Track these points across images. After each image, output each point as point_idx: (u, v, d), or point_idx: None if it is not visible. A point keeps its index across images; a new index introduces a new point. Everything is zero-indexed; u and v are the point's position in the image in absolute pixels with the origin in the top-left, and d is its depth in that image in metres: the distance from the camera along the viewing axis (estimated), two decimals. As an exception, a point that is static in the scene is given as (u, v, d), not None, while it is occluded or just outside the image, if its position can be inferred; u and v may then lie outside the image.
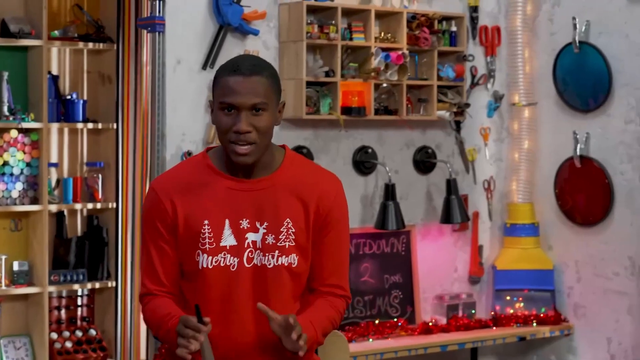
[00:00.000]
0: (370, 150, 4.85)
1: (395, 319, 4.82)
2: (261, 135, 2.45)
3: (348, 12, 4.66)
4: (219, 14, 4.38)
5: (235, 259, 2.49)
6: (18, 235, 4.44)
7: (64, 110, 4.49)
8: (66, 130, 4.54)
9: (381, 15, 4.77)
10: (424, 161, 5.01)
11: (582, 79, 4.91)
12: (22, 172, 4.37)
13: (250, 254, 2.49)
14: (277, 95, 2.50)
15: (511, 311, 5.03)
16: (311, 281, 2.59)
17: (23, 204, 4.36)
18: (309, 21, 4.50)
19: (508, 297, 5.07)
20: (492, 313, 5.05)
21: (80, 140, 4.60)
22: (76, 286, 4.42)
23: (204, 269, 2.48)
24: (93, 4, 4.57)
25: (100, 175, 4.51)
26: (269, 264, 2.50)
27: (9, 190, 4.35)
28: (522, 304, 5.04)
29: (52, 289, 4.36)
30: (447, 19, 4.95)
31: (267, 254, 2.50)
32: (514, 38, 5.14)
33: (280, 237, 2.50)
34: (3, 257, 4.32)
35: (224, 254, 2.48)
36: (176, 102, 4.34)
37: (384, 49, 4.67)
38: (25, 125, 4.32)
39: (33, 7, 4.37)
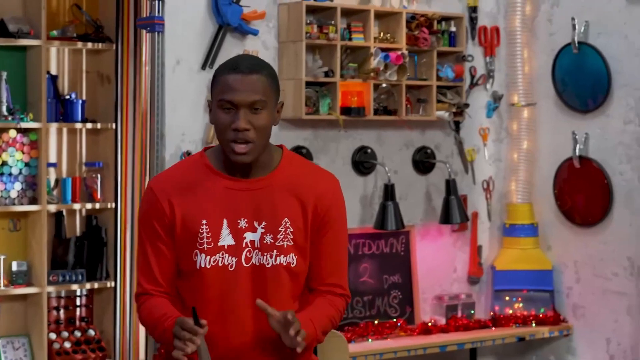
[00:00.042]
0: (369, 151, 4.85)
1: (395, 320, 4.82)
2: (259, 134, 2.45)
3: (347, 12, 4.66)
4: (218, 14, 4.38)
5: (234, 258, 2.48)
6: (17, 236, 4.43)
7: (62, 110, 4.48)
8: (65, 130, 4.53)
9: (380, 16, 4.77)
10: (423, 161, 5.01)
11: (581, 80, 4.91)
12: (20, 172, 4.37)
13: (248, 253, 2.49)
14: (275, 94, 2.50)
15: (510, 311, 5.03)
16: (310, 281, 2.59)
17: (22, 204, 4.35)
18: (308, 21, 4.50)
19: (507, 298, 5.07)
20: (491, 313, 5.05)
21: (79, 140, 4.59)
22: (75, 286, 4.41)
23: (201, 268, 2.48)
24: (92, 4, 4.56)
25: (99, 175, 4.50)
26: (268, 264, 2.50)
27: (8, 190, 4.34)
28: (521, 305, 5.04)
29: (50, 289, 4.35)
30: (446, 19, 4.95)
31: (265, 254, 2.49)
32: (513, 38, 5.14)
33: (278, 236, 2.50)
34: (2, 257, 4.31)
35: (222, 254, 2.48)
36: (175, 102, 4.34)
37: (383, 49, 4.67)
38: (24, 125, 4.31)
39: (32, 6, 4.36)
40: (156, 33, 4.22)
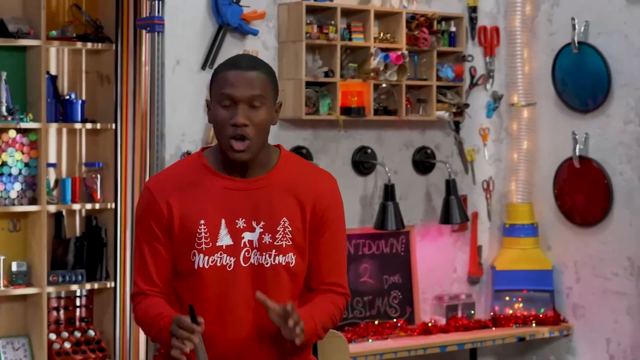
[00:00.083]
0: (369, 151, 4.85)
1: (395, 320, 4.82)
2: (257, 131, 2.45)
3: (347, 12, 4.65)
4: (218, 14, 4.38)
5: (232, 258, 2.48)
6: (16, 236, 4.43)
7: (62, 111, 4.47)
8: (65, 130, 4.52)
9: (380, 16, 4.77)
10: (423, 161, 5.01)
11: (581, 80, 4.91)
12: (20, 173, 4.36)
13: (246, 253, 2.49)
14: (274, 93, 2.51)
15: (510, 311, 5.03)
16: (310, 281, 2.58)
17: (21, 204, 4.35)
18: (308, 21, 4.50)
19: (507, 298, 5.07)
20: (492, 313, 5.05)
21: (78, 141, 4.59)
22: (75, 287, 4.41)
23: (200, 268, 2.48)
24: (92, 4, 4.56)
25: (99, 176, 4.50)
26: (267, 264, 2.49)
27: (8, 190, 4.33)
28: (521, 305, 5.04)
29: (50, 289, 4.34)
30: (446, 19, 4.94)
31: (264, 254, 2.49)
32: (513, 38, 5.14)
33: (277, 236, 2.50)
34: (1, 258, 4.31)
35: (220, 254, 2.48)
36: (175, 102, 4.33)
37: (383, 49, 4.67)
38: (23, 125, 4.30)
39: (31, 7, 4.36)
40: (156, 33, 4.22)
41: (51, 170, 4.47)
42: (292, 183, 2.53)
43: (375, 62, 4.63)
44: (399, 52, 4.69)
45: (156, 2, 4.21)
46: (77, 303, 4.54)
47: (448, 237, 5.11)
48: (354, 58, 4.66)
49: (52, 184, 4.46)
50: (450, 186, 4.88)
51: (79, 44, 4.44)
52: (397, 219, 4.69)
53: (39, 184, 4.35)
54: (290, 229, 2.50)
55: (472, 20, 5.11)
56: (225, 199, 2.49)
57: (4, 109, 4.31)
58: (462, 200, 4.95)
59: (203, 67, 4.38)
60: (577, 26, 4.85)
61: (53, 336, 4.41)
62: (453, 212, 4.86)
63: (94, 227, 4.52)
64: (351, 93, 4.66)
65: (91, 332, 4.50)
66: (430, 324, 4.84)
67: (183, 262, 2.50)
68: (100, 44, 4.45)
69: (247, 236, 2.49)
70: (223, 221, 2.48)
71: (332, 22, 4.54)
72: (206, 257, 2.47)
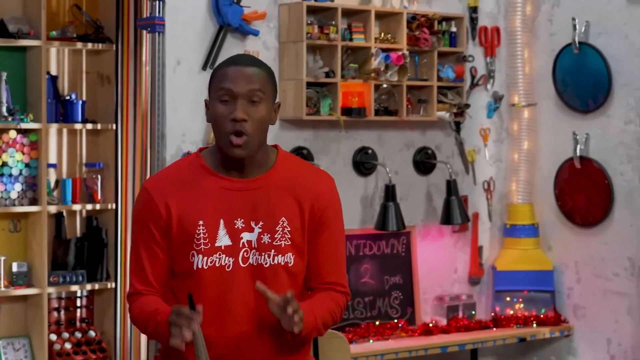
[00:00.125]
0: (370, 151, 4.84)
1: (396, 320, 4.81)
2: (256, 128, 2.45)
3: (348, 13, 4.65)
4: (219, 15, 4.37)
5: (231, 259, 2.48)
6: (17, 236, 4.43)
7: (62, 111, 4.47)
8: (65, 130, 4.52)
9: (381, 16, 4.77)
10: (424, 162, 5.01)
11: (582, 80, 4.91)
12: (21, 173, 4.36)
13: (245, 253, 2.48)
14: (273, 91, 2.51)
15: (511, 312, 5.03)
16: (309, 280, 2.58)
17: (22, 204, 4.35)
18: (309, 22, 4.49)
19: (508, 298, 5.06)
20: (492, 314, 5.05)
21: (79, 141, 4.58)
22: (75, 287, 4.41)
23: (198, 269, 2.47)
24: (92, 4, 4.55)
25: (99, 176, 4.50)
26: (266, 264, 2.49)
27: (8, 191, 4.33)
28: (522, 305, 5.04)
29: (51, 290, 4.34)
30: (447, 19, 4.94)
31: (263, 254, 2.49)
32: (514, 39, 5.13)
33: (275, 236, 2.50)
34: (2, 258, 4.30)
35: (219, 254, 2.47)
36: (176, 103, 4.33)
37: (384, 50, 4.67)
38: (24, 125, 4.30)
39: (32, 7, 4.35)
40: (157, 33, 4.21)
41: (52, 170, 4.46)
42: (291, 183, 2.53)
43: (376, 62, 4.63)
44: (400, 53, 4.69)
45: (157, 2, 4.21)
46: (78, 304, 4.54)
47: (449, 238, 5.11)
48: (354, 58, 4.65)
49: (52, 184, 4.46)
50: (451, 186, 4.88)
51: (79, 44, 4.43)
52: (398, 219, 4.69)
53: (39, 185, 4.35)
54: (289, 229, 2.50)
55: (473, 21, 5.11)
56: (223, 200, 2.49)
57: (4, 109, 4.30)
58: (462, 200, 4.94)
59: (204, 67, 4.38)
60: (577, 26, 4.85)
61: (54, 337, 4.41)
62: (454, 212, 4.86)
63: (95, 227, 4.52)
64: (352, 93, 4.66)
65: (92, 333, 4.50)
66: (431, 325, 4.84)
67: (182, 263, 2.50)
68: (100, 44, 4.45)
69: (245, 236, 2.48)
70: (222, 221, 2.47)
71: (333, 22, 4.54)
72: (205, 258, 2.47)
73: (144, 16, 4.28)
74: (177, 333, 2.32)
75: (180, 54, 4.34)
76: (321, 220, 2.54)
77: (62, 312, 4.50)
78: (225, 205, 2.48)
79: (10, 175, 4.33)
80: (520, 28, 5.12)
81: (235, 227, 2.48)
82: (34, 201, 4.37)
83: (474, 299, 5.10)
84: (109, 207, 4.46)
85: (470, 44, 5.10)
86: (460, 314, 5.00)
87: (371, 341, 4.64)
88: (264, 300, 2.43)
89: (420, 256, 4.97)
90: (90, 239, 4.50)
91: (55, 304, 4.48)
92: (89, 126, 4.47)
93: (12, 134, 4.32)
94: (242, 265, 2.48)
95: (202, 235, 2.47)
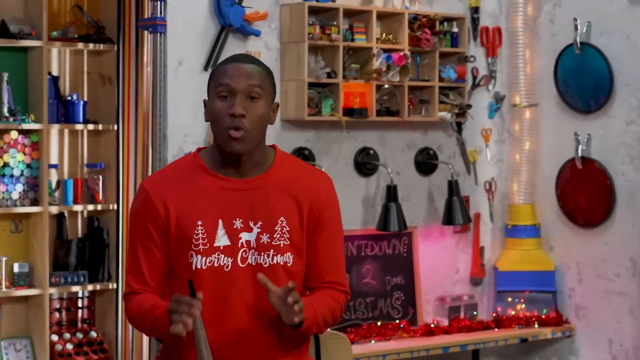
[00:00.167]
0: (371, 152, 4.84)
1: (397, 321, 4.81)
2: (254, 124, 2.45)
3: (349, 13, 4.65)
4: (220, 15, 4.37)
5: (229, 259, 2.47)
6: (18, 237, 4.43)
7: (64, 112, 4.47)
8: (66, 131, 4.52)
9: (383, 16, 4.77)
10: (426, 162, 5.01)
11: (583, 80, 4.91)
12: (22, 174, 4.36)
13: (244, 253, 2.48)
14: (272, 90, 2.51)
15: (513, 312, 5.03)
16: (309, 281, 2.58)
17: (23, 205, 4.35)
18: (310, 22, 4.49)
19: (509, 299, 5.06)
20: (494, 314, 5.04)
21: (80, 142, 4.58)
22: (77, 288, 4.41)
23: (197, 270, 2.46)
24: (93, 5, 4.55)
25: (100, 177, 4.50)
26: (265, 263, 2.49)
27: (9, 191, 4.33)
28: (523, 306, 5.03)
29: (52, 290, 4.34)
30: (449, 19, 4.94)
31: (262, 253, 2.48)
32: (515, 39, 5.13)
33: (274, 236, 2.49)
34: (3, 259, 4.30)
35: (218, 255, 2.47)
36: (178, 103, 4.33)
37: (385, 50, 4.66)
38: (25, 126, 4.30)
39: (33, 7, 4.35)
40: (158, 34, 4.21)
41: (53, 171, 4.47)
42: (289, 183, 2.53)
43: (377, 63, 4.63)
44: (402, 53, 4.68)
45: (158, 2, 4.21)
46: (79, 304, 4.54)
47: (450, 238, 5.11)
48: (356, 59, 4.65)
49: (54, 185, 4.45)
50: (453, 187, 4.88)
51: (80, 45, 4.43)
52: (400, 220, 4.69)
53: (40, 185, 4.35)
54: (288, 229, 2.50)
55: (474, 21, 5.11)
56: (222, 200, 2.48)
57: (5, 109, 4.30)
58: (464, 201, 4.94)
59: (205, 68, 4.37)
60: (579, 27, 4.85)
61: (55, 337, 4.41)
62: (455, 213, 4.85)
63: (96, 228, 4.52)
64: (353, 94, 4.65)
65: (93, 334, 4.50)
66: (432, 325, 4.84)
67: (181, 263, 2.49)
68: (101, 45, 4.45)
69: (244, 236, 2.48)
70: (220, 222, 2.47)
71: (335, 22, 4.54)
72: (203, 258, 2.46)
73: (146, 16, 4.27)
74: (177, 320, 2.31)
75: (181, 54, 4.33)
76: (319, 220, 2.54)
77: (64, 313, 4.50)
78: (224, 205, 2.48)
79: (12, 175, 4.33)
80: (521, 28, 5.11)
81: (234, 227, 2.47)
82: (35, 202, 4.36)
83: (475, 299, 5.10)
84: (110, 207, 4.46)
85: (471, 44, 5.10)
86: (462, 315, 4.99)
87: (373, 342, 4.63)
88: (263, 300, 2.44)
89: (421, 257, 4.97)
90: (91, 240, 4.50)
91: (56, 305, 4.48)
92: (91, 127, 4.47)
93: (14, 134, 4.32)
94: (241, 265, 2.48)
95: (200, 235, 2.46)
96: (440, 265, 5.06)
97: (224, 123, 2.44)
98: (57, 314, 4.48)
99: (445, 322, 4.93)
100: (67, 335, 4.45)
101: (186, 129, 4.35)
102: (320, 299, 2.52)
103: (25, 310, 4.43)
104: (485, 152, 5.21)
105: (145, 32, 4.29)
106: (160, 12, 4.23)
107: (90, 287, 4.43)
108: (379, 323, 4.74)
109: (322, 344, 2.82)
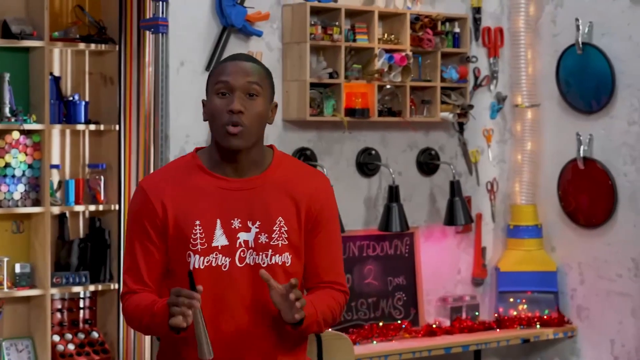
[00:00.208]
0: (373, 152, 4.84)
1: (399, 321, 4.81)
2: (253, 122, 2.45)
3: (351, 14, 4.64)
4: (222, 15, 4.37)
5: (227, 259, 2.47)
6: (20, 237, 4.42)
7: (65, 112, 4.47)
8: (68, 131, 4.52)
9: (384, 17, 4.76)
10: (428, 163, 5.00)
11: (585, 81, 4.90)
12: (23, 174, 4.36)
13: (242, 253, 2.48)
14: (270, 89, 2.52)
15: (514, 313, 5.02)
16: (307, 281, 2.58)
17: (25, 205, 4.34)
18: (312, 22, 4.49)
19: (511, 299, 5.06)
20: (496, 315, 5.04)
21: (82, 142, 4.58)
22: (78, 288, 4.41)
23: (195, 269, 2.46)
24: (95, 5, 4.55)
25: (102, 177, 4.49)
26: (263, 263, 2.48)
27: (11, 192, 4.33)
28: (525, 306, 5.03)
29: (54, 291, 4.34)
30: (450, 20, 4.94)
31: (260, 253, 2.48)
32: (517, 39, 5.13)
33: (273, 235, 2.49)
34: (5, 259, 4.30)
35: (216, 254, 2.47)
36: (179, 104, 4.32)
37: (387, 51, 4.66)
38: (27, 126, 4.30)
39: (34, 8, 4.35)
40: (160, 34, 4.21)
41: (54, 171, 4.46)
42: (287, 183, 2.53)
43: (379, 63, 4.62)
44: (403, 53, 4.68)
45: (160, 3, 4.20)
46: (81, 305, 4.54)
47: (452, 239, 5.10)
48: (358, 59, 4.65)
49: (55, 185, 4.45)
50: (455, 187, 4.87)
51: (82, 45, 4.43)
52: (402, 220, 4.68)
53: (42, 186, 4.34)
54: (286, 229, 2.50)
55: (476, 21, 5.11)
56: (220, 199, 2.48)
57: (7, 110, 4.30)
58: (466, 201, 4.94)
59: (207, 68, 4.37)
60: (581, 27, 4.84)
61: (57, 338, 4.41)
62: (457, 213, 4.85)
63: (98, 228, 4.52)
64: (355, 94, 4.65)
65: (95, 334, 4.50)
66: (434, 326, 4.83)
67: (178, 263, 2.49)
68: (103, 45, 4.44)
69: (242, 236, 2.48)
70: (218, 221, 2.47)
71: (336, 23, 4.53)
72: (201, 258, 2.46)
73: (147, 17, 4.27)
74: (177, 312, 2.31)
75: (183, 54, 4.33)
76: (317, 220, 2.54)
77: (65, 313, 4.50)
78: (222, 205, 2.48)
79: (13, 176, 4.33)
80: (523, 29, 5.11)
81: (232, 227, 2.47)
82: (36, 202, 4.36)
83: (477, 300, 5.09)
84: (112, 208, 4.46)
85: (473, 44, 5.09)
86: (464, 315, 4.99)
87: (375, 342, 4.63)
88: (261, 300, 2.44)
89: (423, 257, 4.97)
90: (93, 240, 4.50)
91: (58, 305, 4.48)
92: (92, 127, 4.47)
93: (15, 134, 4.32)
94: (239, 265, 2.47)
95: (198, 235, 2.46)
96: (442, 266, 5.06)
97: (223, 119, 2.45)
98: (58, 315, 4.48)
99: (447, 323, 4.93)
100: (69, 336, 4.45)
101: (188, 130, 4.34)
102: (320, 298, 2.52)
103: (27, 311, 4.42)
104: (487, 153, 5.20)
105: (147, 33, 4.29)
106: (162, 13, 4.22)
107: (91, 288, 4.43)
108: (380, 323, 4.74)
109: (324, 345, 2.82)
